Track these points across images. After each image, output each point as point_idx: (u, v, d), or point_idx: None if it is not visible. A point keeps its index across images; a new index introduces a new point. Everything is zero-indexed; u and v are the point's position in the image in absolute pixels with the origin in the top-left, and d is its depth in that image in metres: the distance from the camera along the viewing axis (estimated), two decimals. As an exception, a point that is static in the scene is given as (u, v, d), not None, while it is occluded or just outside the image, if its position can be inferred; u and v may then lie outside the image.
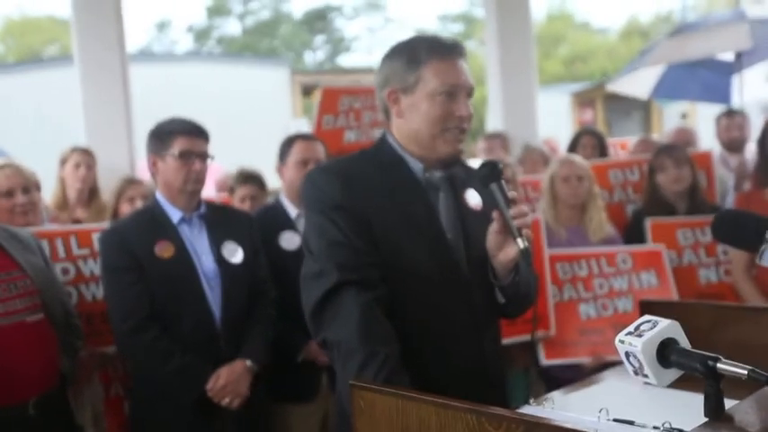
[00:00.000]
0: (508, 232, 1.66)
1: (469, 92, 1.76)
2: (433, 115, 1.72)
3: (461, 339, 1.74)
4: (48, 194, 3.79)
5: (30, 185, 2.89)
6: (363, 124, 3.89)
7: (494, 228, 1.69)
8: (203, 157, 2.59)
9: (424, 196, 1.77)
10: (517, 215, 1.64)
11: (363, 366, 1.53)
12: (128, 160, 4.63)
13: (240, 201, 3.66)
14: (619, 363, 1.27)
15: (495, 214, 1.68)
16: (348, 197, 1.70)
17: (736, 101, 4.79)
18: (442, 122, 1.72)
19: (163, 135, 2.55)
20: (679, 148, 3.68)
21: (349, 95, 3.91)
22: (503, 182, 1.70)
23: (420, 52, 1.73)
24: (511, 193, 1.69)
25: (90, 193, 4.02)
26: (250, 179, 3.66)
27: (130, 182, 3.54)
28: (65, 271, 2.87)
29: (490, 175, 1.70)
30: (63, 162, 4.02)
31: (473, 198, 1.84)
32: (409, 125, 1.77)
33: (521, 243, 1.63)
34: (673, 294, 3.16)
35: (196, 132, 2.58)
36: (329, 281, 1.63)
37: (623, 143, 6.33)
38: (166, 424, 2.46)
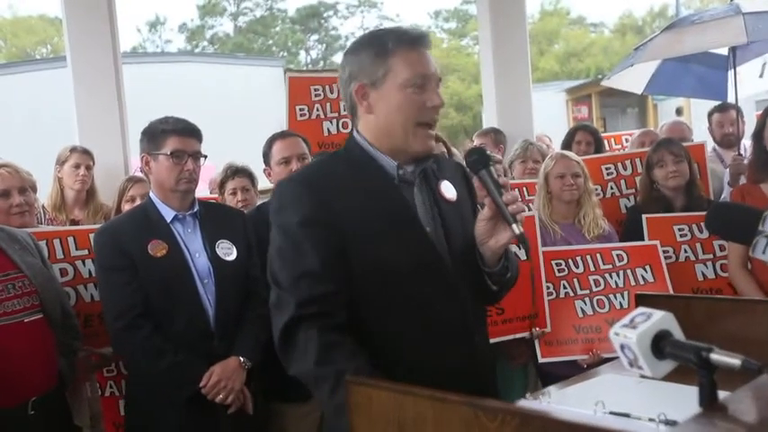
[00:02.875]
0: (501, 218, 1.64)
1: (438, 82, 1.72)
2: (406, 107, 1.67)
3: (452, 336, 1.70)
4: (42, 195, 3.78)
5: (26, 186, 2.88)
6: (343, 115, 3.79)
7: (484, 215, 1.67)
8: (196, 156, 2.58)
9: (399, 194, 1.71)
10: (510, 201, 1.62)
11: (335, 388, 1.50)
12: (121, 160, 4.61)
13: (231, 194, 3.66)
14: (615, 358, 1.28)
15: (486, 200, 1.66)
16: (318, 208, 1.63)
17: (730, 96, 4.79)
18: (416, 114, 1.67)
19: (155, 134, 2.55)
20: (678, 143, 3.67)
21: (319, 84, 3.82)
22: (492, 168, 1.68)
23: (387, 43, 1.68)
24: (501, 179, 1.68)
25: (88, 194, 4.01)
26: (239, 172, 3.69)
27: (132, 180, 3.53)
28: (63, 272, 2.87)
29: (479, 161, 1.68)
30: (61, 162, 4.00)
31: (448, 190, 1.79)
32: (379, 120, 1.70)
33: (516, 229, 1.61)
34: (668, 290, 3.15)
35: (188, 132, 2.58)
36: (287, 314, 1.60)
37: (617, 136, 6.35)
38: (160, 422, 2.46)
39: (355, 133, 1.77)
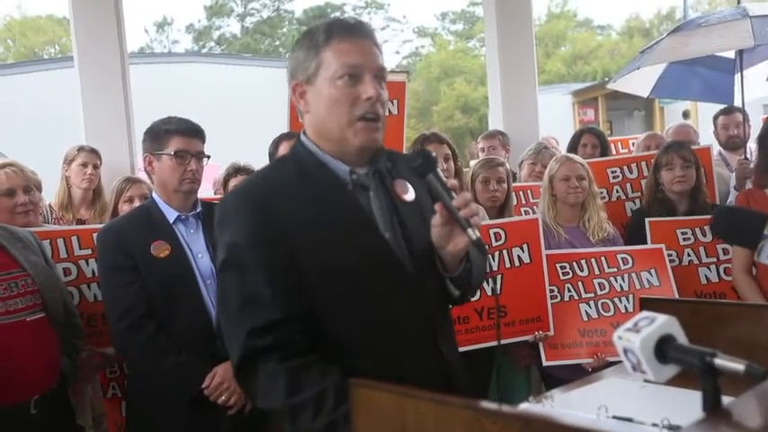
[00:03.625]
0: (455, 223, 1.55)
1: (377, 73, 1.57)
2: (337, 101, 1.55)
3: (417, 343, 1.62)
4: (48, 195, 3.79)
5: (31, 185, 2.89)
6: None
7: (436, 220, 1.57)
8: (199, 156, 2.58)
9: (353, 200, 1.61)
10: (461, 204, 1.53)
11: (318, 412, 1.43)
12: (127, 160, 4.63)
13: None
14: (620, 362, 1.27)
15: (437, 206, 1.56)
16: (265, 225, 1.52)
17: (737, 100, 4.76)
18: (349, 109, 1.55)
19: (158, 134, 2.55)
20: (688, 148, 3.64)
21: None
22: (439, 171, 1.60)
23: (318, 36, 1.57)
24: (450, 182, 1.61)
25: (94, 194, 4.04)
26: (242, 170, 3.72)
27: (130, 181, 3.55)
28: (67, 271, 2.87)
29: (425, 165, 1.59)
30: (69, 161, 4.03)
31: (405, 190, 1.67)
32: (316, 118, 1.60)
33: (472, 234, 1.51)
34: (674, 294, 3.14)
35: (192, 132, 2.57)
36: (237, 353, 1.51)
37: (624, 140, 6.32)
38: (163, 423, 2.46)
39: (302, 136, 1.66)
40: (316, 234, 1.54)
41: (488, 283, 2.79)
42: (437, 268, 1.66)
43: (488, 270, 1.85)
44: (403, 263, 1.61)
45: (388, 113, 1.69)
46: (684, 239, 3.41)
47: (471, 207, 1.55)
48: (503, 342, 3.08)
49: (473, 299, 1.84)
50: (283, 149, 3.05)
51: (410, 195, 1.67)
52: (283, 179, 1.61)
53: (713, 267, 3.41)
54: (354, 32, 1.58)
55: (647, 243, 3.37)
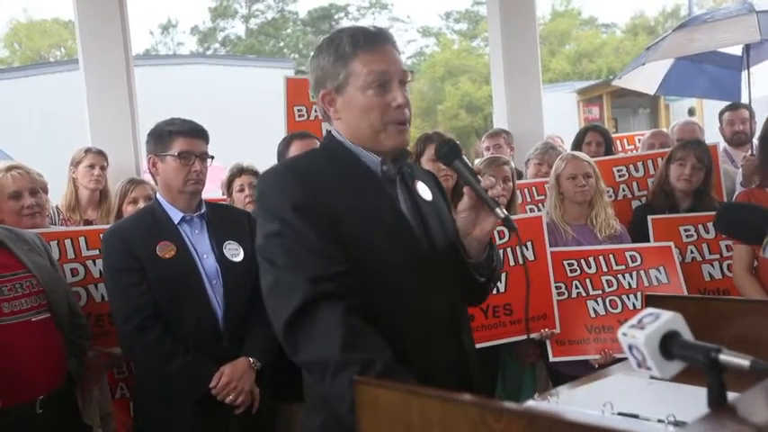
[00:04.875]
0: (482, 206, 1.65)
1: (402, 78, 1.67)
2: (369, 109, 1.63)
3: (442, 333, 1.68)
4: (54, 197, 3.82)
5: (37, 188, 2.91)
6: None
7: (464, 204, 1.67)
8: (203, 157, 2.59)
9: (384, 189, 1.69)
10: (488, 186, 1.62)
11: (362, 375, 1.40)
12: (133, 161, 4.65)
13: (239, 191, 3.73)
14: (626, 359, 1.27)
15: (465, 189, 1.65)
16: (310, 195, 1.58)
17: (744, 97, 4.75)
18: (381, 116, 1.64)
19: (162, 135, 2.56)
20: (707, 150, 3.62)
21: None
22: (464, 158, 1.69)
23: (345, 46, 1.65)
24: (475, 167, 1.70)
25: (101, 195, 4.08)
26: (246, 170, 3.75)
27: (134, 182, 3.56)
28: (74, 271, 2.88)
29: (451, 153, 1.69)
30: (76, 163, 4.08)
31: (424, 190, 1.79)
32: (349, 125, 1.68)
33: (500, 213, 1.61)
34: (683, 291, 3.13)
35: (195, 133, 2.58)
36: (298, 297, 1.49)
37: (630, 137, 6.31)
38: (170, 423, 2.46)
39: (333, 132, 1.74)
40: (349, 215, 1.60)
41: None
42: (456, 263, 1.71)
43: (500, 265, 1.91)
44: (428, 254, 1.68)
45: None
46: (687, 236, 3.40)
47: (498, 189, 1.64)
48: (508, 340, 3.08)
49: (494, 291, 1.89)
50: (295, 149, 3.05)
51: (428, 196, 1.78)
52: (317, 165, 1.69)
53: (716, 264, 3.41)
54: (378, 41, 1.66)
55: (649, 240, 3.37)
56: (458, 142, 1.73)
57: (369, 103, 1.63)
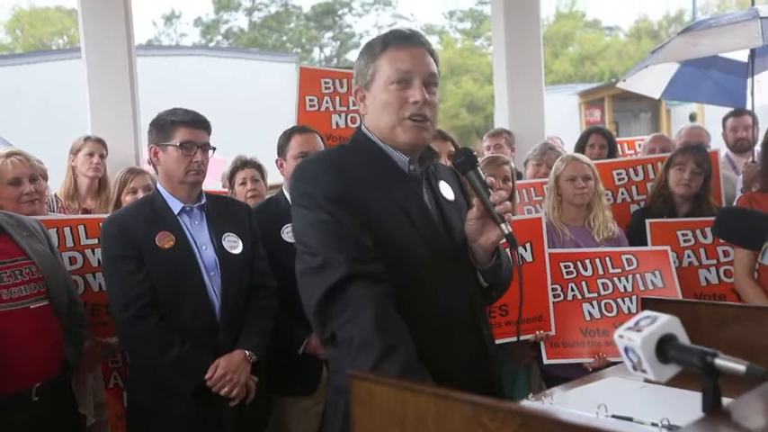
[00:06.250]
0: (489, 217, 1.69)
1: (427, 78, 1.72)
2: (388, 104, 1.70)
3: (464, 327, 1.73)
4: (53, 185, 3.81)
5: (36, 174, 2.90)
6: (351, 109, 3.82)
7: (473, 214, 1.71)
8: (204, 148, 2.59)
9: (413, 188, 1.76)
10: (497, 201, 1.67)
11: (381, 359, 1.46)
12: (133, 151, 4.65)
13: (241, 184, 3.72)
14: (621, 362, 1.27)
15: (474, 200, 1.71)
16: (345, 187, 1.65)
17: (749, 104, 4.74)
18: (398, 111, 1.70)
19: (164, 125, 2.55)
20: (706, 155, 3.64)
21: (330, 77, 3.85)
22: (479, 168, 1.73)
23: (376, 46, 1.74)
24: (488, 179, 1.73)
25: (100, 184, 4.07)
26: (249, 164, 3.75)
27: (133, 172, 3.55)
28: (72, 260, 2.88)
29: (467, 162, 1.73)
30: (75, 151, 4.07)
31: (447, 191, 1.86)
32: (372, 118, 1.76)
33: (505, 228, 1.66)
34: (678, 296, 3.13)
35: (197, 123, 2.57)
36: (336, 273, 1.55)
37: (631, 141, 6.30)
38: (164, 413, 2.46)
39: (363, 128, 1.81)
40: (379, 210, 1.66)
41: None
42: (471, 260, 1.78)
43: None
44: (451, 251, 1.74)
45: None
46: (685, 241, 3.41)
47: (506, 204, 1.68)
48: (503, 341, 3.08)
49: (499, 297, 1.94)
50: (295, 142, 3.05)
51: (451, 196, 1.85)
52: (352, 159, 1.75)
53: (713, 269, 3.41)
54: (407, 41, 1.73)
55: (647, 244, 3.37)
56: (475, 152, 1.76)
57: (388, 99, 1.70)
